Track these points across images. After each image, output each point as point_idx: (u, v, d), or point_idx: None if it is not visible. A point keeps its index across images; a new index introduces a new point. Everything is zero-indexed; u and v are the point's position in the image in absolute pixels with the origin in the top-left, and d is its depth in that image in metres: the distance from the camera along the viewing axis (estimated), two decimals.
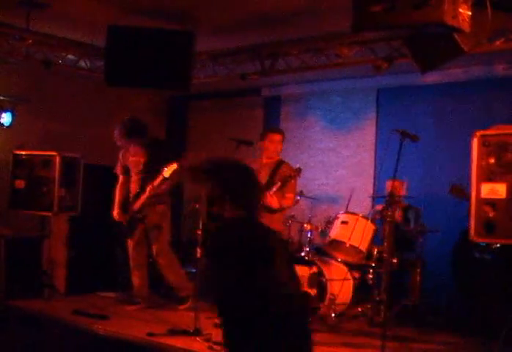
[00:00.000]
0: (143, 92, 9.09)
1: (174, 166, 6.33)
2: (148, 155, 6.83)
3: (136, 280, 6.99)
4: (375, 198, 7.94)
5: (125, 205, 6.94)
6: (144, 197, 6.68)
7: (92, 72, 7.89)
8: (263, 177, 6.20)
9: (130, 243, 6.94)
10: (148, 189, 6.58)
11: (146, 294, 7.05)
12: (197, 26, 6.61)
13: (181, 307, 6.83)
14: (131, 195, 6.89)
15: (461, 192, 6.07)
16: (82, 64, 7.86)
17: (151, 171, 6.68)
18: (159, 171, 6.39)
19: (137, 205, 6.75)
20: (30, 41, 6.95)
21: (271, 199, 6.02)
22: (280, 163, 6.44)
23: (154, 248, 6.87)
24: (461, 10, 3.90)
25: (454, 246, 6.75)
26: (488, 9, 4.11)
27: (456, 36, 4.44)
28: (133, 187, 6.88)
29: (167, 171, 6.32)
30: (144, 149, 6.85)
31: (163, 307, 6.95)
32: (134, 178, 6.89)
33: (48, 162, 7.25)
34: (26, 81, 8.33)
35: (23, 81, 8.33)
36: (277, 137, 6.44)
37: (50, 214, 7.29)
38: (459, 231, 6.35)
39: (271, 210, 6.07)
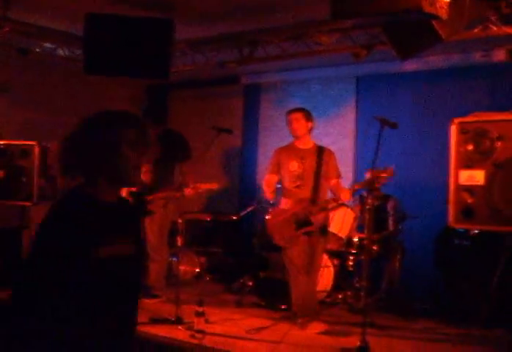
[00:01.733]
0: (122, 81, 9.03)
1: (214, 185, 6.39)
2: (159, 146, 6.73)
3: (153, 271, 6.91)
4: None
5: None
6: (161, 196, 6.70)
7: (70, 61, 7.82)
8: (311, 166, 6.14)
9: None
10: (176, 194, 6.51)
11: (163, 285, 6.98)
12: (176, 14, 6.58)
13: (148, 301, 6.67)
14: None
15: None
16: (60, 52, 7.79)
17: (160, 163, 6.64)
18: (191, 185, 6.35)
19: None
20: (7, 29, 6.87)
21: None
22: (321, 149, 6.29)
23: (152, 241, 6.86)
24: None
25: (436, 233, 6.80)
26: None
27: (434, 23, 4.46)
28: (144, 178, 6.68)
29: (202, 187, 6.32)
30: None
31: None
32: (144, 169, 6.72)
33: (27, 151, 7.20)
34: (3, 70, 8.24)
35: (1, 70, 8.25)
36: (292, 116, 6.27)
37: (29, 204, 7.24)
38: (440, 218, 6.40)
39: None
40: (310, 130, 6.28)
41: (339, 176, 6.22)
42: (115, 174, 2.45)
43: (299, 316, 5.89)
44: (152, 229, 6.85)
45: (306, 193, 6.06)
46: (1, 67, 8.17)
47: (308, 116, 6.27)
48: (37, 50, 7.58)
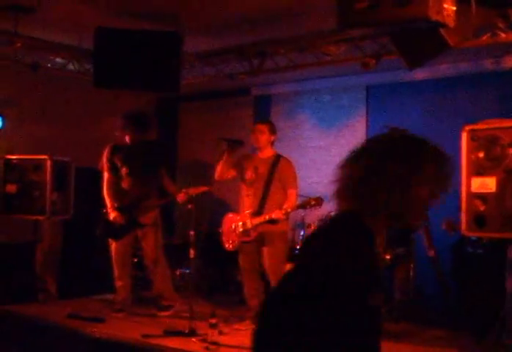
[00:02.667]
0: (132, 94, 9.08)
1: (204, 188, 6.38)
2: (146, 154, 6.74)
3: (121, 286, 6.79)
4: None
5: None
6: (153, 204, 6.74)
7: (81, 75, 7.89)
8: (264, 175, 6.23)
9: (117, 246, 6.73)
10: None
11: (130, 300, 6.89)
12: (185, 26, 6.61)
13: (161, 314, 6.65)
14: (127, 196, 6.67)
15: (452, 227, 6.04)
16: (71, 66, 7.86)
17: (149, 172, 6.69)
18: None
19: (147, 215, 6.72)
20: (18, 45, 6.93)
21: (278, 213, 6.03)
22: (277, 157, 6.35)
23: (150, 254, 6.76)
24: (445, 5, 3.93)
25: (452, 242, 6.76)
26: (473, 4, 4.13)
27: (442, 31, 4.46)
28: (132, 188, 6.68)
29: (194, 191, 6.29)
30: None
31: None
32: (131, 178, 6.69)
33: (39, 166, 7.25)
34: (15, 85, 8.32)
35: (12, 85, 8.31)
36: (258, 127, 6.38)
37: (42, 218, 7.28)
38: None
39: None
40: (272, 142, 6.42)
41: (293, 187, 6.24)
42: (399, 211, 2.09)
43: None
44: (148, 242, 6.75)
45: (254, 202, 6.20)
46: (13, 83, 8.24)
47: (273, 129, 6.41)
48: (48, 65, 7.64)
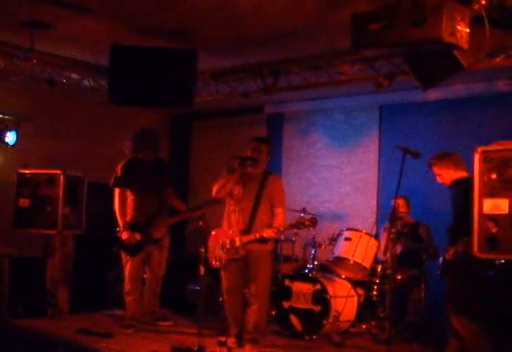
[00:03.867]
0: (146, 111, 9.13)
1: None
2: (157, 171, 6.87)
3: (132, 300, 6.79)
4: (379, 215, 7.92)
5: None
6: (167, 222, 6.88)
7: (95, 91, 7.95)
8: (251, 191, 6.02)
9: (132, 261, 6.74)
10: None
11: (139, 315, 6.88)
12: (199, 44, 6.66)
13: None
14: (143, 213, 6.74)
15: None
16: (86, 83, 7.92)
17: (161, 188, 6.83)
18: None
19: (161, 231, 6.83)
20: (34, 61, 7.00)
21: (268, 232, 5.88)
22: (266, 174, 6.14)
23: (157, 270, 6.91)
24: (458, 27, 3.94)
25: None
26: (486, 26, 4.14)
27: (456, 52, 4.47)
28: (147, 205, 6.76)
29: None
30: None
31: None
32: (145, 195, 6.76)
33: (52, 180, 7.27)
34: (30, 101, 8.40)
35: (28, 101, 8.39)
36: (257, 146, 6.07)
37: (54, 232, 7.29)
38: None
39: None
40: (266, 162, 6.19)
41: (281, 205, 6.07)
42: None
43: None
44: (161, 260, 6.89)
45: (242, 219, 6.00)
46: (28, 98, 8.32)
47: (271, 150, 6.20)
48: (63, 81, 7.71)
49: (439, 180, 5.70)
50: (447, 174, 5.59)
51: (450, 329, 5.44)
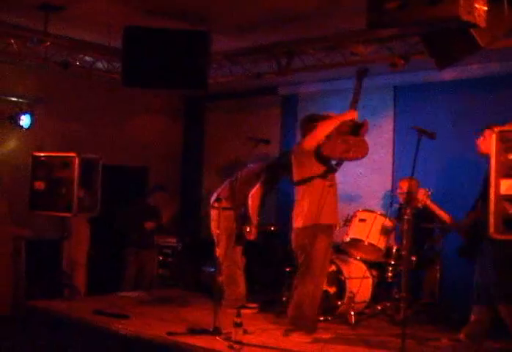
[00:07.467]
0: (160, 93, 9.12)
1: None
2: None
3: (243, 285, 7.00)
4: (393, 196, 7.89)
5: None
6: None
7: (109, 74, 7.95)
8: None
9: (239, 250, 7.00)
10: None
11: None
12: (213, 26, 6.63)
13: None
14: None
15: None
16: (99, 65, 7.92)
17: None
18: None
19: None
20: (48, 43, 6.99)
21: None
22: None
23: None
24: (476, 5, 3.89)
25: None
26: (505, 4, 4.09)
27: (473, 31, 4.41)
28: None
29: None
30: None
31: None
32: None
33: (67, 163, 7.26)
34: (44, 83, 8.40)
35: (42, 83, 8.40)
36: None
37: (69, 215, 7.30)
38: None
39: None
40: None
41: None
42: None
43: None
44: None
45: None
46: (42, 81, 8.32)
47: None
48: (77, 63, 7.70)
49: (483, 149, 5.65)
50: None
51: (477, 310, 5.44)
